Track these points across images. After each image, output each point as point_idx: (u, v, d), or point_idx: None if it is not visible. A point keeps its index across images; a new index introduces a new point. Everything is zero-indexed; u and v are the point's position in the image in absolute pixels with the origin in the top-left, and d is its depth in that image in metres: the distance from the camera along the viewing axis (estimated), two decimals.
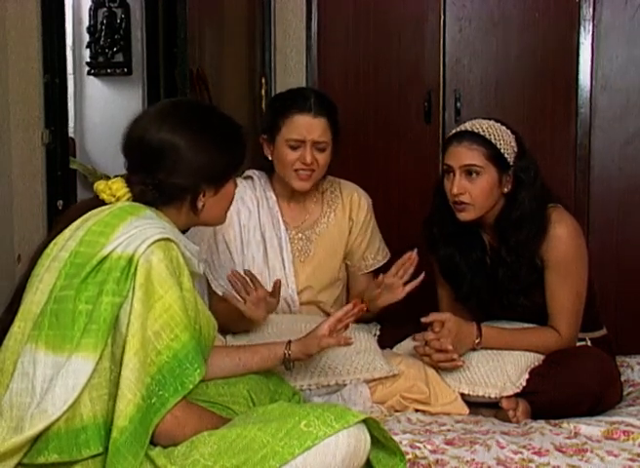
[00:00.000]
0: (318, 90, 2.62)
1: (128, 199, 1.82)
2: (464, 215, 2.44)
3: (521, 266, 2.45)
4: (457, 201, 2.43)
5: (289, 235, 2.66)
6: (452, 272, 2.59)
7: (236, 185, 1.96)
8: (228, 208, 1.97)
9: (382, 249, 2.80)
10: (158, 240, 1.71)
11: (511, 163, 2.43)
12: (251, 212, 2.65)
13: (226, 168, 1.90)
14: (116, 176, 1.88)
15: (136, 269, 1.67)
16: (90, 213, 1.80)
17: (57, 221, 1.88)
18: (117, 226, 1.73)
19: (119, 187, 1.83)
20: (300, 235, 2.67)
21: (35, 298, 1.73)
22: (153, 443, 1.67)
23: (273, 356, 2.10)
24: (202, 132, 1.85)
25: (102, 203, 1.83)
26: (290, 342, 2.12)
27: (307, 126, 2.52)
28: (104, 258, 1.69)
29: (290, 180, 2.58)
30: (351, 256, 2.75)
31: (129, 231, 1.71)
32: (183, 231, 1.93)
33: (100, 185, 1.84)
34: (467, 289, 2.56)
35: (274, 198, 2.67)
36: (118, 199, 1.82)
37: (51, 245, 1.79)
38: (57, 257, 1.74)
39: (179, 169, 1.81)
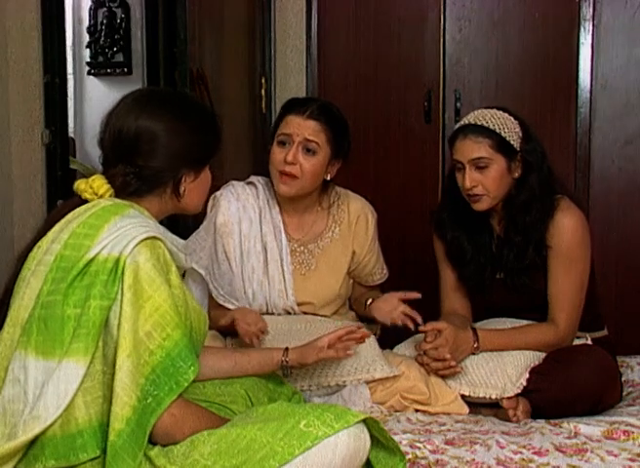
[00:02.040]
0: (329, 102, 2.62)
1: (110, 195, 1.79)
2: (479, 206, 2.47)
3: (528, 246, 2.47)
4: (470, 194, 2.46)
5: (290, 247, 2.61)
6: (458, 255, 2.60)
7: (212, 173, 1.94)
8: (206, 195, 1.95)
9: (383, 262, 2.78)
10: (144, 239, 1.69)
11: (518, 148, 2.45)
12: (252, 221, 2.60)
13: (205, 151, 1.89)
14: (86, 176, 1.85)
15: (123, 271, 1.66)
16: (72, 214, 1.77)
17: (43, 223, 1.85)
18: (101, 228, 1.71)
19: (100, 184, 1.79)
20: (302, 248, 2.63)
21: (23, 303, 1.71)
22: (152, 442, 1.67)
23: (269, 361, 2.10)
24: (179, 116, 1.84)
25: (85, 202, 1.80)
26: (287, 349, 2.11)
27: (297, 124, 2.50)
28: (90, 261, 1.67)
29: (275, 184, 2.54)
30: (359, 273, 2.72)
31: (114, 232, 1.69)
32: (171, 220, 1.90)
33: (80, 185, 1.81)
34: (472, 268, 2.57)
35: (277, 208, 2.62)
36: (101, 196, 1.79)
37: (35, 248, 1.76)
38: (42, 261, 1.72)
39: (158, 153, 1.79)
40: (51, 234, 1.76)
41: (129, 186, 1.79)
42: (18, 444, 1.62)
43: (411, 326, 2.45)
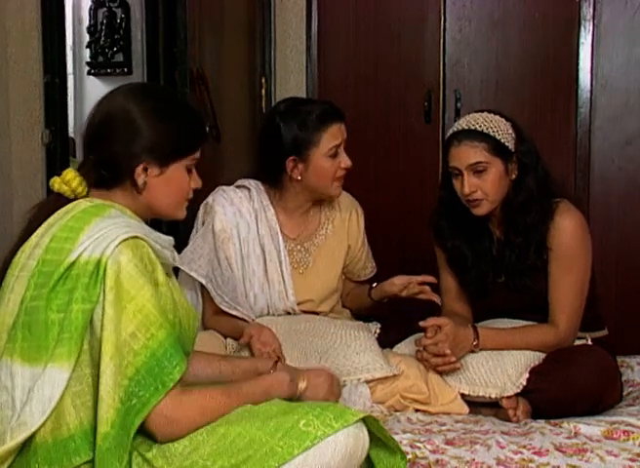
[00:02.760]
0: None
1: (82, 184, 1.77)
2: (479, 210, 2.46)
3: (529, 246, 2.46)
4: (470, 199, 2.45)
5: (287, 247, 2.63)
6: (459, 261, 2.60)
7: (189, 175, 1.83)
8: (178, 198, 1.84)
9: (372, 256, 2.82)
10: (125, 239, 1.66)
11: (513, 150, 2.45)
12: (249, 225, 2.60)
13: (174, 144, 1.80)
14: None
15: (104, 273, 1.63)
16: (53, 217, 1.74)
17: (26, 224, 1.80)
18: (82, 230, 1.68)
19: (72, 177, 1.77)
20: (298, 247, 2.65)
21: (8, 310, 1.70)
22: (153, 441, 1.65)
23: (253, 372, 2.02)
24: (153, 102, 1.79)
25: (64, 198, 1.77)
26: (276, 363, 2.05)
27: (343, 131, 2.56)
28: (72, 265, 1.65)
29: (329, 191, 2.58)
30: (353, 267, 2.76)
31: (94, 234, 1.67)
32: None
33: (55, 182, 1.79)
34: (474, 275, 2.57)
35: (272, 210, 2.63)
36: (74, 190, 1.77)
37: (19, 253, 1.74)
38: (25, 266, 1.71)
39: (119, 137, 1.74)
40: (34, 238, 1.73)
41: (90, 175, 1.76)
42: (5, 449, 1.61)
43: (435, 299, 2.52)
